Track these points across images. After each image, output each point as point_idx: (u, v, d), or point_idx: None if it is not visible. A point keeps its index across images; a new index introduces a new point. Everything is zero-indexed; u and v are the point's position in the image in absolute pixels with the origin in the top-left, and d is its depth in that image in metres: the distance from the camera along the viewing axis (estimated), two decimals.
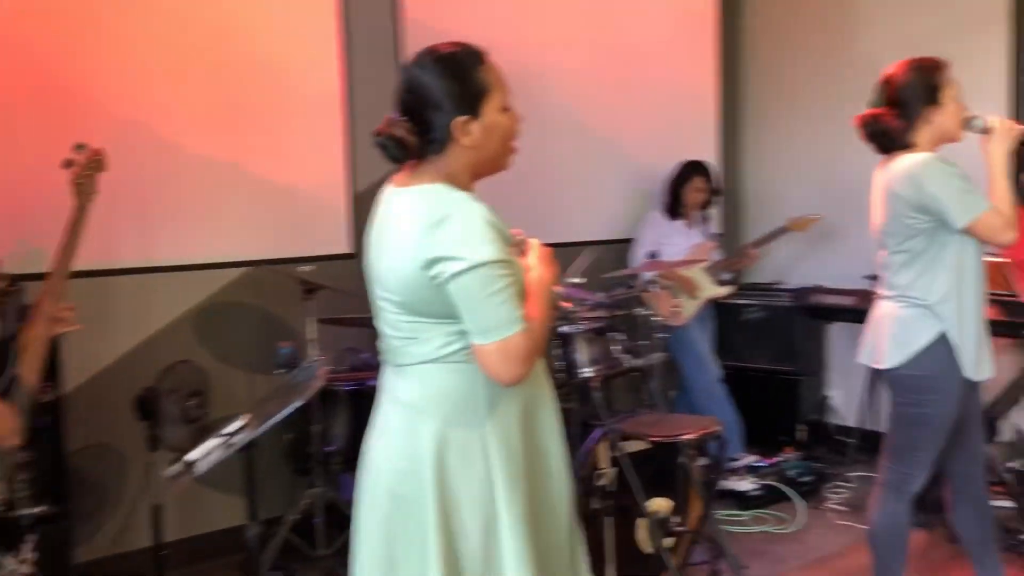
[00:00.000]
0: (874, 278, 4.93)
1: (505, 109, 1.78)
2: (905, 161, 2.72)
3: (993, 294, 3.36)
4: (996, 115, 2.74)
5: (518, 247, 1.86)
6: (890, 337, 2.78)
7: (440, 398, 1.76)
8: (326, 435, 3.55)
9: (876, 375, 4.99)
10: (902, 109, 2.75)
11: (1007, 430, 3.93)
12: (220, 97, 3.81)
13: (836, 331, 5.27)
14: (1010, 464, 1.88)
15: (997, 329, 3.30)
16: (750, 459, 4.51)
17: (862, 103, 5.10)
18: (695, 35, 5.46)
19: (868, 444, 5.01)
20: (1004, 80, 4.43)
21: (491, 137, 1.76)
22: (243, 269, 3.88)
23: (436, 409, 1.76)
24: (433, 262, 1.67)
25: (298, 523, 3.51)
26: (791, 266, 5.50)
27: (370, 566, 1.83)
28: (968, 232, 2.64)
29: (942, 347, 2.70)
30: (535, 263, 1.85)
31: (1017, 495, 3.66)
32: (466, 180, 1.79)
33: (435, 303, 1.71)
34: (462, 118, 1.72)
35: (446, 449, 1.74)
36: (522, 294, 1.75)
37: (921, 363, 2.72)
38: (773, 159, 5.62)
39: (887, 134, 2.79)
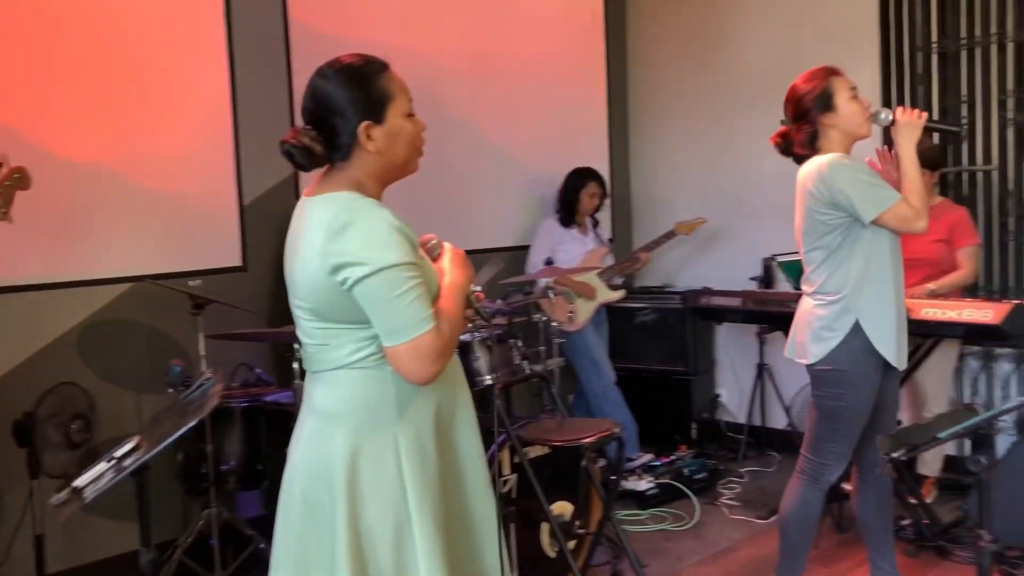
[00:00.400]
0: (757, 279, 5.15)
1: (409, 115, 1.83)
2: (815, 162, 2.85)
3: None
4: (899, 107, 2.87)
5: (431, 251, 1.90)
6: (810, 333, 2.89)
7: (352, 403, 1.79)
8: (220, 454, 3.45)
9: (761, 373, 5.20)
10: (804, 121, 2.88)
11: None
12: (101, 105, 3.65)
13: (724, 331, 5.44)
14: (894, 454, 1.97)
15: None
16: (646, 459, 4.60)
17: (741, 110, 5.34)
18: (584, 45, 5.56)
19: (757, 440, 5.20)
20: (875, 87, 4.66)
21: (396, 142, 1.81)
22: (128, 285, 3.73)
23: (348, 414, 1.79)
24: (338, 268, 1.70)
25: (192, 545, 3.40)
26: (680, 269, 5.65)
27: (284, 571, 1.83)
28: (879, 224, 2.77)
29: (858, 339, 2.81)
30: (448, 266, 1.88)
31: (896, 484, 3.86)
32: (374, 186, 1.83)
33: (344, 309, 1.74)
34: (366, 123, 1.77)
35: (358, 454, 1.77)
36: (432, 295, 1.78)
37: (839, 357, 2.83)
38: (659, 165, 5.77)
39: (798, 147, 2.92)
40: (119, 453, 2.11)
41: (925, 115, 2.82)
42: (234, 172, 4.04)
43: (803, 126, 2.88)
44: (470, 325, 2.03)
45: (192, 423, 2.01)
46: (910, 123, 2.80)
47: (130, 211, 3.73)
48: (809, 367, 2.92)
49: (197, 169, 3.93)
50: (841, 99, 2.83)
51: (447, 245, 1.93)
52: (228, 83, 4.00)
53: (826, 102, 2.84)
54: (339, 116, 1.77)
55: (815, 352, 2.87)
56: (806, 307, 2.93)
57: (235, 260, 4.06)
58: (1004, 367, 4.38)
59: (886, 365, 2.85)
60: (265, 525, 3.70)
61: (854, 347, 2.81)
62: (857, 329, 2.81)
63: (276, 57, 4.16)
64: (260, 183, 4.10)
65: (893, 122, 2.83)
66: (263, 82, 4.10)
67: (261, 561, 3.51)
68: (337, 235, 1.70)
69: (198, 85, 3.93)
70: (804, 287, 2.97)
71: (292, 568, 1.83)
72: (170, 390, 3.19)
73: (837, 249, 2.82)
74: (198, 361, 3.47)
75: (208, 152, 3.97)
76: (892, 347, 2.83)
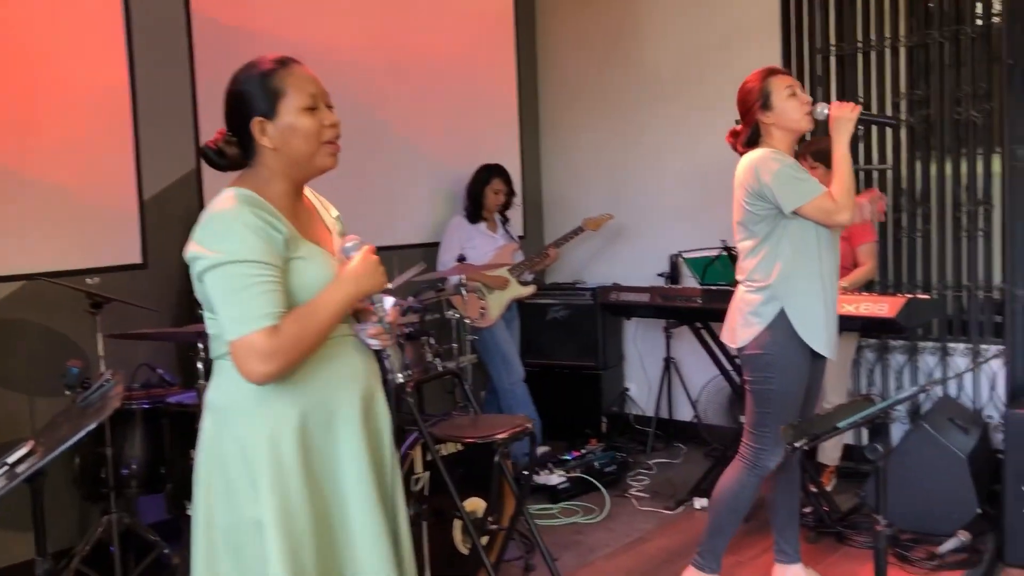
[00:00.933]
0: (664, 275, 5.25)
1: (309, 110, 1.83)
2: (749, 157, 2.98)
3: None
4: (835, 101, 2.98)
5: (345, 252, 1.88)
6: (740, 318, 3.01)
7: (219, 394, 1.85)
8: (120, 457, 3.34)
9: (669, 366, 5.30)
10: (746, 119, 3.04)
11: None
12: None
13: (632, 327, 5.52)
14: (796, 444, 2.03)
15: None
16: (544, 451, 4.63)
17: (648, 108, 5.43)
18: (495, 43, 5.56)
19: (665, 432, 5.31)
20: None
21: (291, 137, 1.81)
22: (21, 283, 3.56)
23: (214, 405, 1.85)
24: (192, 260, 1.77)
25: (91, 553, 3.27)
26: (588, 265, 5.72)
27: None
28: (801, 215, 2.89)
29: (783, 325, 2.94)
30: (348, 270, 1.84)
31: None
32: (281, 183, 1.86)
33: (209, 300, 1.79)
34: (257, 120, 1.81)
35: (214, 444, 1.82)
36: (303, 297, 1.78)
37: (765, 342, 2.96)
38: (569, 163, 5.82)
39: (739, 145, 3.08)
40: (12, 459, 2.01)
41: (858, 108, 2.93)
42: (133, 166, 3.90)
43: (747, 124, 3.03)
44: (373, 341, 1.95)
45: (91, 426, 1.93)
46: (842, 117, 2.92)
47: (22, 206, 3.57)
48: (739, 351, 3.05)
49: (93, 163, 3.77)
50: (778, 98, 2.96)
51: (364, 249, 1.88)
52: (127, 74, 3.86)
53: (764, 101, 2.97)
54: (239, 115, 1.83)
55: (743, 336, 3.00)
56: (739, 293, 3.07)
57: (135, 257, 3.93)
58: (898, 359, 4.56)
59: (814, 353, 2.98)
60: (169, 530, 3.62)
61: (779, 334, 2.94)
62: (782, 316, 2.94)
63: (178, 49, 4.03)
64: (161, 178, 3.97)
65: (828, 117, 2.96)
66: (164, 74, 3.97)
67: (165, 567, 3.41)
68: (199, 229, 1.77)
69: (94, 75, 3.77)
70: (737, 275, 3.09)
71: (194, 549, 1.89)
72: (67, 392, 3.06)
73: (765, 239, 2.95)
74: (97, 362, 3.34)
75: (105, 145, 3.82)
76: (817, 336, 2.95)
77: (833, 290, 3.03)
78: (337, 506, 1.85)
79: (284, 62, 1.85)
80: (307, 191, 1.99)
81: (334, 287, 1.81)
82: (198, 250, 1.74)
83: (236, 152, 1.87)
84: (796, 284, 2.94)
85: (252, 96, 1.82)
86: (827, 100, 4.61)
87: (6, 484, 1.91)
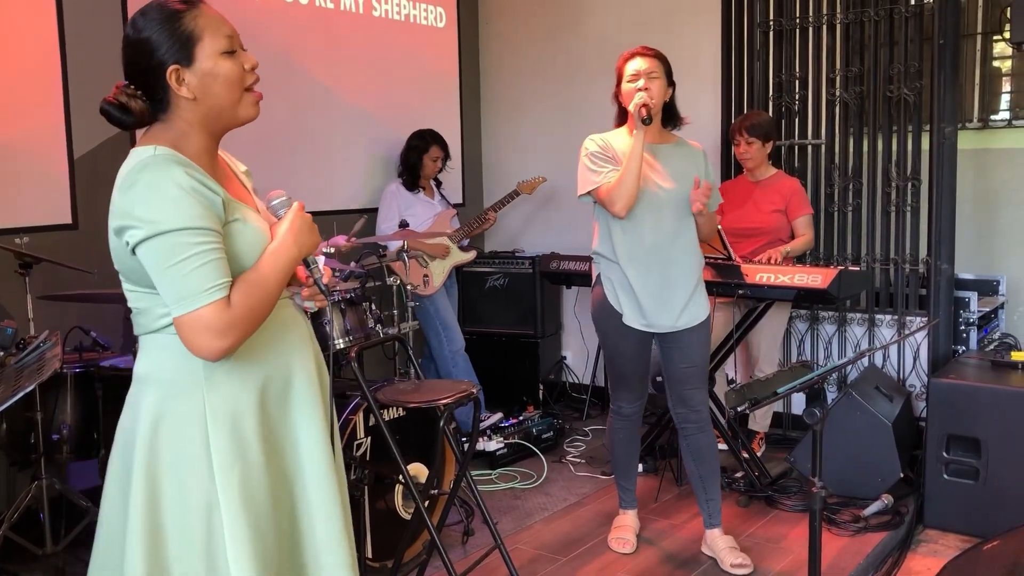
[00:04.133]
0: None
1: (228, 53, 1.67)
2: None
3: (708, 257, 3.71)
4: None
5: (275, 211, 1.76)
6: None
7: (159, 369, 1.68)
8: (51, 422, 3.25)
9: None
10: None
11: (721, 380, 4.38)
12: None
13: (571, 295, 5.57)
14: (739, 408, 2.09)
15: (713, 289, 3.67)
16: (495, 419, 4.67)
17: (589, 78, 5.45)
18: (436, 6, 5.49)
19: (601, 400, 5.38)
20: (716, 61, 4.86)
21: (212, 85, 1.65)
22: None
23: (155, 380, 1.68)
24: (121, 230, 1.59)
25: (20, 521, 3.19)
26: (525, 233, 5.73)
27: (99, 542, 1.73)
28: (594, 199, 3.23)
29: (600, 292, 3.29)
30: (281, 232, 1.72)
31: (730, 440, 4.09)
32: (200, 137, 1.69)
33: (140, 273, 1.62)
34: (173, 67, 1.63)
35: (160, 422, 1.65)
36: (245, 263, 1.66)
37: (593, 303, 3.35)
38: (509, 131, 5.81)
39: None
40: None
41: (638, 100, 3.09)
42: (63, 123, 3.77)
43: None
44: (309, 303, 1.82)
45: (30, 387, 1.88)
46: (633, 107, 3.11)
47: None
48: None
49: (21, 119, 3.64)
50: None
51: (295, 207, 1.74)
52: (56, 28, 3.71)
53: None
54: (149, 64, 1.64)
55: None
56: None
57: (65, 217, 3.81)
58: (827, 329, 4.70)
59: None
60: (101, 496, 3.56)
61: (600, 299, 3.30)
62: (598, 282, 3.31)
63: (110, 4, 3.89)
64: (92, 136, 3.84)
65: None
66: (95, 28, 3.83)
67: None
68: (122, 194, 1.59)
69: (22, 28, 3.63)
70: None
71: (102, 537, 1.72)
72: (1, 353, 2.97)
73: (598, 215, 3.30)
74: (27, 324, 3.24)
75: (33, 101, 3.68)
76: (628, 308, 3.22)
77: (655, 266, 3.20)
78: (296, 476, 1.77)
79: (191, 2, 1.67)
80: None
81: (276, 250, 1.68)
82: (127, 219, 1.57)
83: (143, 107, 1.66)
84: (609, 258, 3.27)
85: (161, 43, 1.63)
86: (765, 76, 4.71)
87: None
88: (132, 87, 1.66)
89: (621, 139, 3.21)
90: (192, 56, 1.64)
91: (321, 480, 1.78)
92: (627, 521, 3.55)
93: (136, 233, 1.56)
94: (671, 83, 3.22)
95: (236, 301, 1.59)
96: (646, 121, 3.05)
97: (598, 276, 3.31)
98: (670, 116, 3.28)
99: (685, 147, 3.30)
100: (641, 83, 3.11)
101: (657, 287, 3.18)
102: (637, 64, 3.15)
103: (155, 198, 1.56)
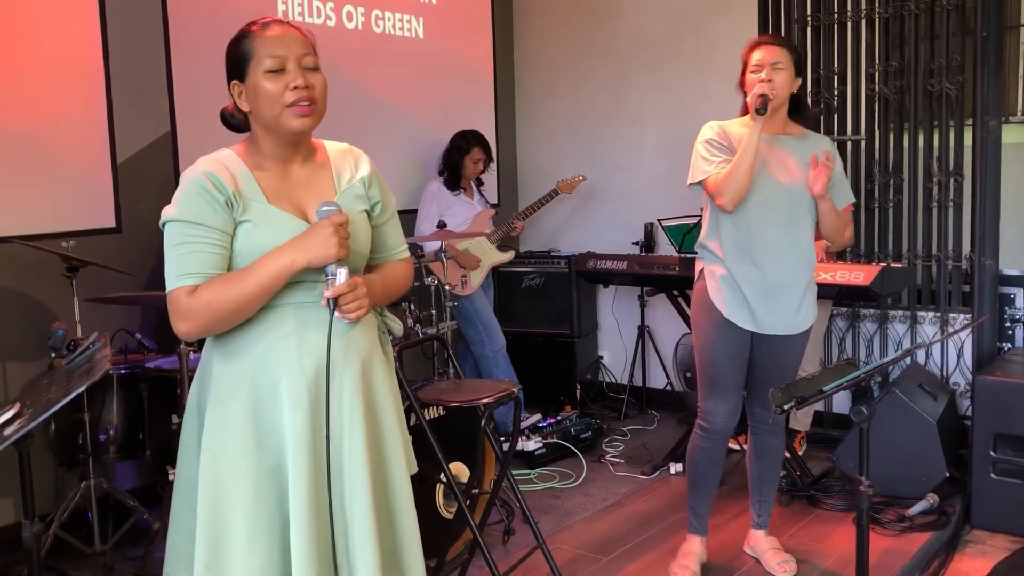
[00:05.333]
0: (640, 244, 5.27)
1: (271, 72, 1.81)
2: None
3: None
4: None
5: (319, 217, 1.80)
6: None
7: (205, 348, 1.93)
8: (98, 423, 3.31)
9: (643, 334, 5.34)
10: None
11: None
12: None
13: (607, 295, 5.56)
14: (785, 406, 2.07)
15: None
16: (534, 419, 4.67)
17: (626, 76, 5.42)
18: (470, 9, 5.51)
19: (638, 399, 5.36)
20: None
21: (256, 100, 1.83)
22: None
23: (202, 359, 1.93)
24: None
25: (69, 519, 3.25)
26: (561, 233, 5.73)
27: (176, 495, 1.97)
28: (703, 189, 3.03)
29: (702, 287, 3.09)
30: (295, 239, 1.78)
31: None
32: (269, 144, 1.88)
33: None
34: (234, 82, 1.87)
35: (197, 392, 1.90)
36: (221, 257, 1.79)
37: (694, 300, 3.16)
38: (544, 130, 5.81)
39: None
40: None
41: (756, 91, 2.93)
42: (107, 130, 3.82)
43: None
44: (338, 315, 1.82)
45: (81, 388, 1.90)
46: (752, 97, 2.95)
47: None
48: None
49: (66, 126, 3.69)
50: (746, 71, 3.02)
51: (329, 217, 1.79)
52: (99, 35, 3.77)
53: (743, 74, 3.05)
54: (227, 79, 1.89)
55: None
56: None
57: (108, 221, 3.86)
58: (868, 327, 4.64)
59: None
60: (148, 496, 3.61)
61: (701, 295, 3.10)
62: (700, 277, 3.12)
63: (151, 10, 3.95)
64: (134, 142, 3.90)
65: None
66: (137, 36, 3.88)
67: (144, 533, 3.40)
68: None
69: (66, 36, 3.68)
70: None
71: (179, 491, 1.96)
72: (53, 354, 3.03)
73: (707, 208, 3.12)
74: (74, 326, 3.30)
75: (77, 108, 3.73)
76: (733, 307, 3.02)
77: (763, 266, 3.01)
78: (284, 476, 1.81)
79: (265, 25, 1.85)
80: (338, 148, 2.00)
81: (274, 254, 1.77)
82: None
83: (243, 117, 1.91)
84: (717, 253, 3.07)
85: (229, 60, 1.87)
86: (804, 72, 4.66)
87: None
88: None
89: (741, 129, 3.02)
90: (244, 73, 1.84)
91: (298, 487, 1.79)
92: (694, 548, 3.25)
93: (162, 218, 1.82)
94: (800, 74, 3.03)
95: (199, 292, 1.76)
96: (760, 111, 2.87)
97: (701, 271, 3.11)
98: (797, 107, 3.09)
99: (810, 139, 3.09)
100: (763, 74, 2.94)
101: (763, 288, 2.99)
102: (761, 54, 2.97)
103: (178, 192, 1.81)
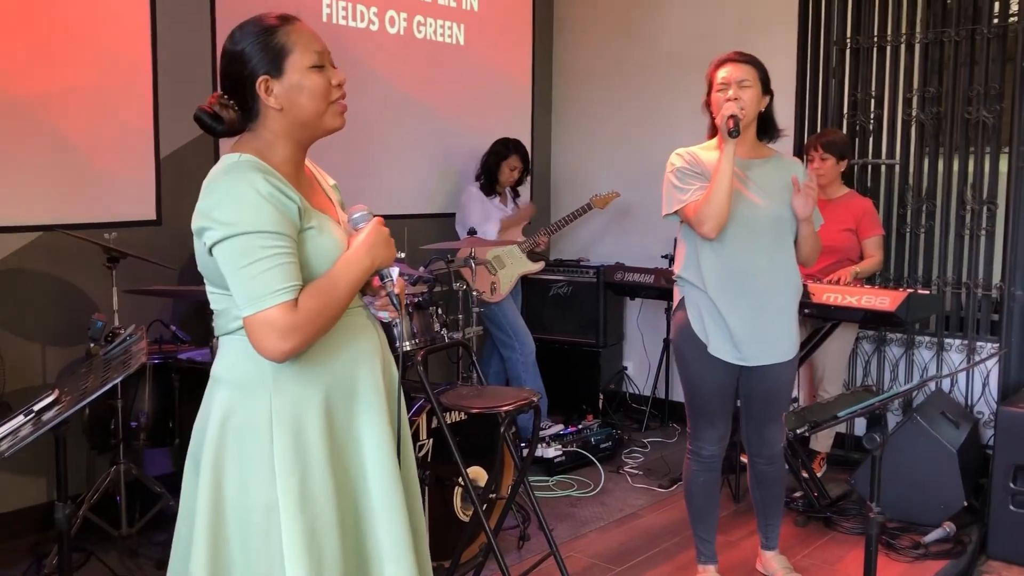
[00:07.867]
0: (669, 257, 5.30)
1: (316, 68, 1.75)
2: None
3: None
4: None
5: (354, 223, 1.82)
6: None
7: (232, 370, 1.75)
8: (130, 410, 3.41)
9: (668, 347, 5.36)
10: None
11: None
12: (18, 46, 3.50)
13: (634, 306, 5.59)
14: (798, 430, 2.11)
15: None
16: (556, 428, 4.72)
17: (661, 88, 5.45)
18: (511, 16, 5.57)
19: (660, 412, 5.39)
20: (791, 77, 4.82)
21: (298, 96, 1.73)
22: (36, 234, 3.61)
23: (228, 381, 1.75)
24: (201, 231, 1.68)
25: (99, 502, 3.35)
26: (593, 243, 5.77)
27: (180, 526, 1.84)
28: (679, 219, 3.01)
29: (683, 317, 3.04)
30: (360, 241, 1.77)
31: (790, 460, 4.07)
32: (287, 146, 1.77)
33: (218, 274, 1.70)
34: (263, 78, 1.72)
35: (228, 420, 1.72)
36: (316, 270, 1.71)
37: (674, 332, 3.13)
38: (579, 140, 5.85)
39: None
40: (38, 407, 2.07)
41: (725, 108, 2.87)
42: (151, 124, 3.93)
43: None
44: (383, 314, 1.88)
45: (118, 379, 1.98)
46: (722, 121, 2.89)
47: (40, 157, 3.60)
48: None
49: (113, 117, 3.81)
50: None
51: (373, 220, 1.81)
52: (148, 31, 3.88)
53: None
54: (241, 75, 1.73)
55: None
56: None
57: (149, 213, 3.97)
58: (894, 352, 4.64)
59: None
60: (175, 483, 3.70)
61: (681, 324, 3.05)
62: (682, 305, 3.06)
63: (200, 7, 4.05)
64: (178, 137, 4.00)
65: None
66: (185, 34, 3.99)
67: (169, 519, 3.49)
68: (205, 197, 1.67)
69: (117, 29, 3.80)
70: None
71: (182, 522, 1.82)
72: (92, 344, 3.12)
73: (686, 237, 3.07)
74: (112, 316, 3.40)
75: (124, 102, 3.85)
76: (709, 333, 2.96)
77: (751, 300, 2.95)
78: (360, 484, 1.80)
79: (287, 19, 1.76)
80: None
81: (349, 259, 1.74)
82: (206, 221, 1.64)
83: (233, 116, 1.76)
84: (693, 281, 3.02)
85: (254, 54, 1.72)
86: (840, 94, 4.67)
87: (34, 431, 1.97)
88: (226, 96, 1.76)
89: (711, 153, 2.97)
90: (282, 68, 1.72)
91: (385, 490, 1.80)
92: None
93: (213, 234, 1.64)
94: (767, 91, 2.95)
95: (303, 305, 1.64)
96: (732, 134, 2.80)
97: (681, 300, 3.05)
98: (766, 128, 3.02)
99: (781, 161, 3.05)
100: (731, 92, 2.87)
101: (750, 315, 2.92)
102: (727, 71, 2.90)
103: (233, 201, 1.63)
